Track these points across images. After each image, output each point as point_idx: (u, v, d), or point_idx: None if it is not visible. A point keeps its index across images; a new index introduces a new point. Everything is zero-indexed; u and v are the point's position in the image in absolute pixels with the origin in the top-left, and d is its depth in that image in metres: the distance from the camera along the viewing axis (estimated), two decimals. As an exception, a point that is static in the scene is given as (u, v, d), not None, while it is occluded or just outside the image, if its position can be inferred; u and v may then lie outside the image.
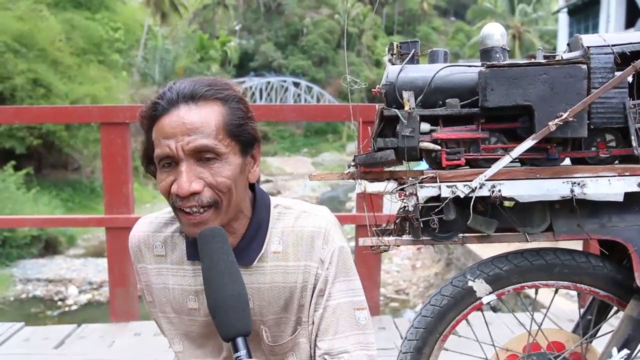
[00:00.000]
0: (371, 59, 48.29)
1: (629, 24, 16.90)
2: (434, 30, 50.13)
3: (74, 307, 10.82)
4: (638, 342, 1.32)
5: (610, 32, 16.96)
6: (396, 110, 1.33)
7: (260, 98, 38.58)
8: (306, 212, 1.18)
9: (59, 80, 17.55)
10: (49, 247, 14.09)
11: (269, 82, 39.59)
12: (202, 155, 1.02)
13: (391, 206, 1.40)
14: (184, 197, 1.02)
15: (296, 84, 40.68)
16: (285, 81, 40.58)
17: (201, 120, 1.02)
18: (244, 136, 1.07)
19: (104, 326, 3.01)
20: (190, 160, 1.02)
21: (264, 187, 1.25)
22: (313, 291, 1.13)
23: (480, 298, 1.41)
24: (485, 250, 8.76)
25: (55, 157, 18.71)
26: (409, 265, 13.07)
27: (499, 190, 1.26)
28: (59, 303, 10.98)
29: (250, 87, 38.45)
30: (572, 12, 20.06)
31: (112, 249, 2.90)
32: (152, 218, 1.25)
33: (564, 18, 21.12)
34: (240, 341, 0.96)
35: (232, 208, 1.08)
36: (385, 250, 1.41)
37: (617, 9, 17.26)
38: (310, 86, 41.18)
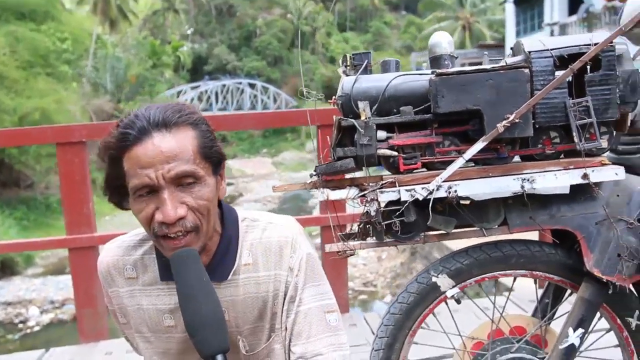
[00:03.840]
0: (325, 56, 48.44)
1: (572, 11, 17.56)
2: (386, 25, 50.66)
3: (37, 329, 10.51)
4: (591, 321, 1.42)
5: (555, 18, 17.59)
6: (353, 120, 1.38)
7: (217, 101, 38.18)
8: (272, 223, 1.22)
9: (5, 95, 16.96)
10: (5, 269, 13.62)
11: (224, 85, 39.20)
12: (183, 181, 1.04)
13: (354, 206, 1.46)
14: (170, 223, 1.03)
15: (252, 85, 40.43)
16: (240, 83, 40.25)
17: (178, 146, 1.04)
18: (215, 157, 1.11)
19: (73, 348, 2.95)
20: (171, 187, 1.04)
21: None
22: (284, 298, 1.17)
23: (444, 292, 1.48)
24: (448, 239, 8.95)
25: (5, 174, 18.07)
26: (375, 257, 13.25)
27: (455, 191, 1.33)
28: (20, 326, 10.64)
29: (206, 91, 37.98)
30: (518, 1, 20.68)
31: (76, 270, 2.86)
32: (119, 242, 1.27)
33: (510, 8, 21.75)
34: (220, 358, 1.00)
35: (209, 230, 1.11)
36: (351, 255, 1.46)
37: (559, -3, 17.91)
38: (266, 87, 40.99)
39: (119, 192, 1.12)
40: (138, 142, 1.03)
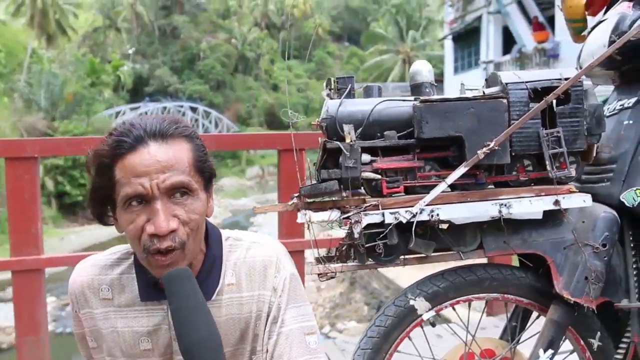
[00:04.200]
0: (268, 83, 48.74)
1: (505, 50, 18.64)
2: (329, 55, 51.75)
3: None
4: (559, 342, 1.48)
5: (490, 57, 18.59)
6: (338, 142, 1.40)
7: (157, 123, 37.27)
8: (256, 243, 1.21)
9: None
10: None
11: (165, 107, 38.46)
12: (176, 193, 1.02)
13: (329, 228, 1.47)
14: (162, 235, 1.00)
15: (193, 109, 39.93)
16: (182, 106, 39.68)
17: (175, 157, 1.03)
18: (207, 172, 1.10)
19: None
20: (164, 198, 1.01)
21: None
22: (267, 319, 1.16)
23: (420, 315, 1.51)
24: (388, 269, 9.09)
25: None
26: (314, 287, 13.20)
27: (437, 214, 1.37)
28: None
29: (146, 113, 37.04)
30: (456, 39, 21.75)
31: (19, 294, 2.67)
32: (93, 261, 1.22)
33: (449, 44, 22.82)
34: None
35: (195, 248, 1.08)
36: (332, 277, 1.46)
37: (495, 37, 18.99)
38: (208, 111, 40.62)
39: (102, 205, 1.08)
40: (133, 150, 1.01)
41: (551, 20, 16.24)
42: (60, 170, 21.55)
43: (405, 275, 10.45)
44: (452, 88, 21.28)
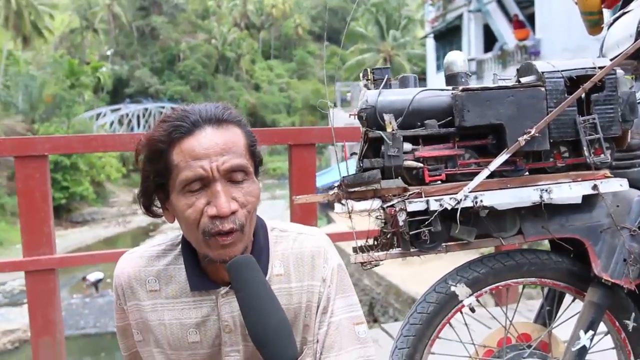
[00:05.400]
0: (250, 82, 48.56)
1: (487, 48, 18.85)
2: (309, 54, 51.75)
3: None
4: (599, 323, 1.52)
5: (472, 54, 18.78)
6: (380, 132, 1.42)
7: (138, 126, 36.96)
8: (303, 234, 1.22)
9: None
10: None
11: (146, 109, 38.11)
12: (234, 176, 1.03)
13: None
14: (224, 217, 1.01)
15: (175, 110, 39.58)
16: (163, 107, 39.25)
17: (232, 140, 1.04)
18: (258, 157, 1.12)
19: (27, 381, 2.72)
20: (223, 180, 1.02)
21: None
22: (317, 310, 1.17)
23: (461, 301, 1.53)
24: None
25: None
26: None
27: (481, 201, 1.40)
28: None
29: (127, 115, 36.71)
30: (438, 37, 21.92)
31: (33, 295, 2.64)
32: (140, 252, 1.21)
33: (430, 43, 22.98)
34: None
35: (251, 231, 1.09)
36: (376, 265, 1.48)
37: (477, 35, 19.19)
38: (190, 111, 40.27)
39: (153, 195, 1.09)
40: (191, 134, 1.02)
41: (531, 18, 16.47)
42: (42, 174, 21.17)
43: (396, 271, 10.52)
44: (436, 85, 21.45)
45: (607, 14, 2.02)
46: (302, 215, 2.77)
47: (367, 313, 10.92)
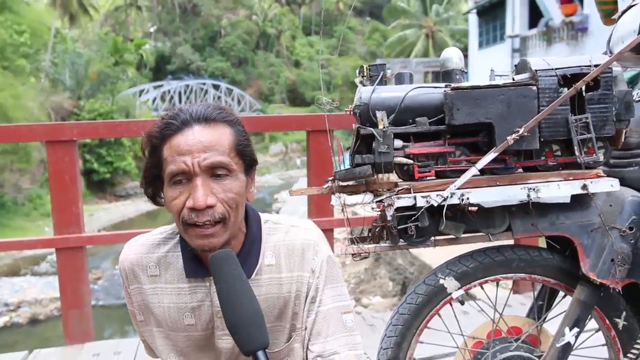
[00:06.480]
0: (290, 59, 48.48)
1: (532, 24, 18.20)
2: (350, 30, 51.12)
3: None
4: (585, 321, 1.53)
5: (516, 31, 18.18)
6: (371, 129, 1.45)
7: (180, 102, 37.60)
8: (295, 227, 1.28)
9: (-43, 90, 16.28)
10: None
11: (187, 85, 38.68)
12: (216, 172, 1.11)
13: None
14: (200, 210, 1.09)
15: (216, 87, 40.06)
16: (204, 84, 39.84)
17: (216, 139, 1.12)
18: (248, 157, 1.18)
19: (59, 350, 2.91)
20: (204, 175, 1.10)
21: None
22: (306, 299, 1.24)
23: (450, 294, 1.57)
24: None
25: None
26: (339, 263, 13.33)
27: (468, 198, 1.43)
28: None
29: (169, 91, 37.39)
30: (481, 12, 21.26)
31: (63, 270, 2.83)
32: (142, 240, 1.30)
33: (473, 18, 22.34)
34: (261, 354, 1.05)
35: (235, 224, 1.16)
36: (365, 257, 1.53)
37: (521, 10, 18.53)
38: (230, 88, 40.71)
39: (154, 184, 1.18)
40: (179, 132, 1.11)
41: (579, -8, 15.79)
42: (88, 149, 21.99)
43: (429, 252, 10.49)
44: (477, 62, 20.92)
45: (621, 5, 1.97)
46: (319, 202, 2.84)
47: (400, 292, 10.99)
